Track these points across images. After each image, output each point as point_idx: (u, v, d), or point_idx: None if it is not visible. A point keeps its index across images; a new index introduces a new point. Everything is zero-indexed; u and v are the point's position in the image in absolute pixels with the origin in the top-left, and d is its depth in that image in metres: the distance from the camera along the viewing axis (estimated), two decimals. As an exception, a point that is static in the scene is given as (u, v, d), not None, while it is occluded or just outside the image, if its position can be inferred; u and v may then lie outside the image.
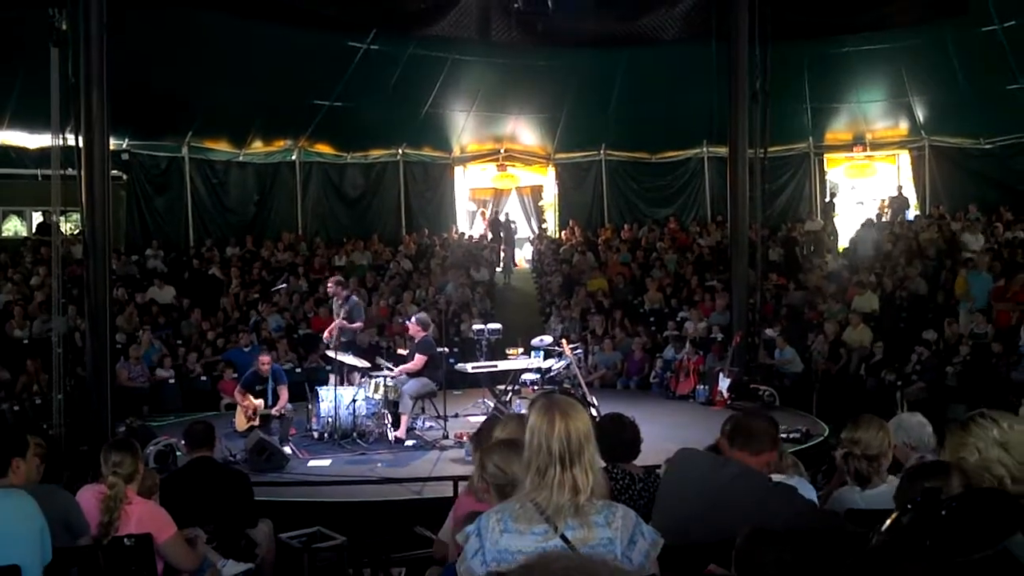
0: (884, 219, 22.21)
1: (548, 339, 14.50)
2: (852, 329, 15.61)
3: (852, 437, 4.41)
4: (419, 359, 11.52)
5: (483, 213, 24.88)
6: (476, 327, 15.02)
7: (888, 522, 2.74)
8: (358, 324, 12.94)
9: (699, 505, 3.67)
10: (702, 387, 14.61)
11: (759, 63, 14.54)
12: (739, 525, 3.28)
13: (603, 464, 3.42)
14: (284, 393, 11.61)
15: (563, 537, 2.87)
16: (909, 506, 2.70)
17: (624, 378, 16.73)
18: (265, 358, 11.93)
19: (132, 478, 4.80)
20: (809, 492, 4.43)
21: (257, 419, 11.33)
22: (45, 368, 12.54)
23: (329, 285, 13.76)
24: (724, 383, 14.14)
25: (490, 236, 23.46)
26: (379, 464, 10.29)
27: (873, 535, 2.77)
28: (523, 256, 24.69)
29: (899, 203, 22.59)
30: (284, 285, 18.21)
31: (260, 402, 11.45)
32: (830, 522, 3.92)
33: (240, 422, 11.57)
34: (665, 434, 9.92)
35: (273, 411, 11.44)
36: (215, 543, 5.57)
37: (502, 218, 23.92)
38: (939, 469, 3.50)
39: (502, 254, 23.16)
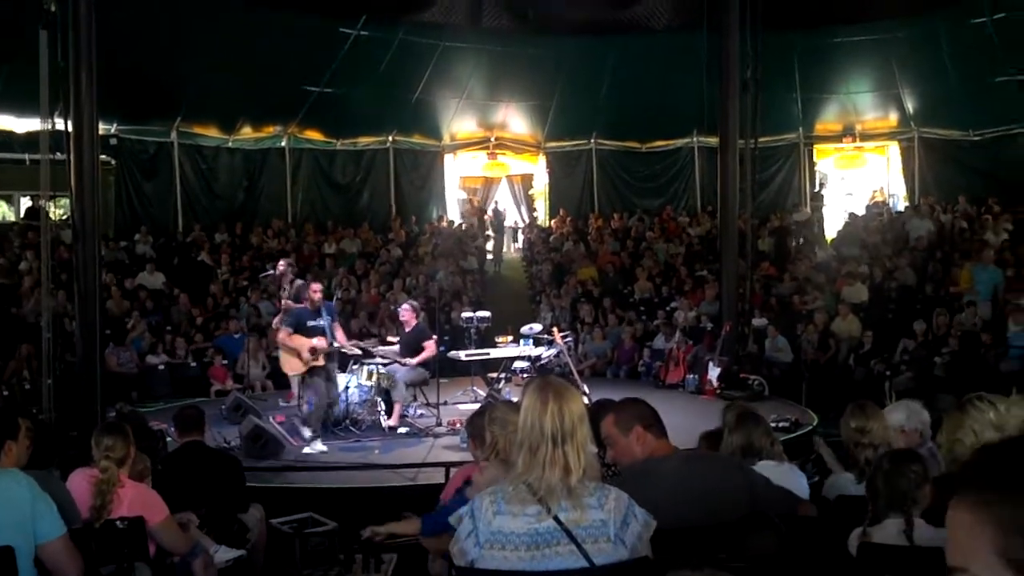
0: (874, 210, 22.26)
1: (538, 327, 14.52)
2: (841, 320, 15.67)
3: (863, 427, 4.42)
4: (430, 345, 11.49)
5: (470, 201, 24.83)
6: (465, 315, 15.02)
7: None
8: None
9: (675, 496, 3.65)
10: (692, 376, 14.65)
11: (750, 52, 14.54)
12: (712, 507, 3.33)
13: (595, 450, 3.43)
14: (340, 331, 10.76)
15: (556, 519, 2.90)
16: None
17: (614, 367, 16.76)
18: (316, 285, 10.77)
19: (124, 462, 4.79)
20: (799, 478, 4.47)
21: (320, 358, 10.18)
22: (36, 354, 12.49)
23: (280, 265, 13.46)
24: (714, 372, 14.18)
25: (477, 224, 23.46)
26: (376, 451, 10.28)
27: None
28: (513, 245, 24.70)
29: (879, 208, 22.57)
30: (272, 272, 18.15)
31: (320, 340, 10.23)
32: (783, 497, 3.89)
33: (293, 364, 10.37)
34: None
35: (344, 345, 10.63)
36: (207, 528, 5.57)
37: (492, 207, 23.92)
38: (915, 456, 3.56)
39: (492, 243, 23.16)
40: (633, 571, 2.89)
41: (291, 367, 10.49)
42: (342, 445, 10.54)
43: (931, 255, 18.10)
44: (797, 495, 4.05)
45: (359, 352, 11.34)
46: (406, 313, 11.93)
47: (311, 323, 10.27)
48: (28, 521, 3.92)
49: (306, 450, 10.13)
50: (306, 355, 10.14)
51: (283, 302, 12.48)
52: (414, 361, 11.41)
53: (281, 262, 13.55)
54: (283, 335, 10.43)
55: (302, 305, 10.69)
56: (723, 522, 3.37)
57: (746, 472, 3.86)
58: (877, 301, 16.76)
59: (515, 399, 6.98)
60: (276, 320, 13.26)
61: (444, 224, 23.24)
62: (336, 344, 10.45)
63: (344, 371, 11.74)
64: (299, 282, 12.86)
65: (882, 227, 20.43)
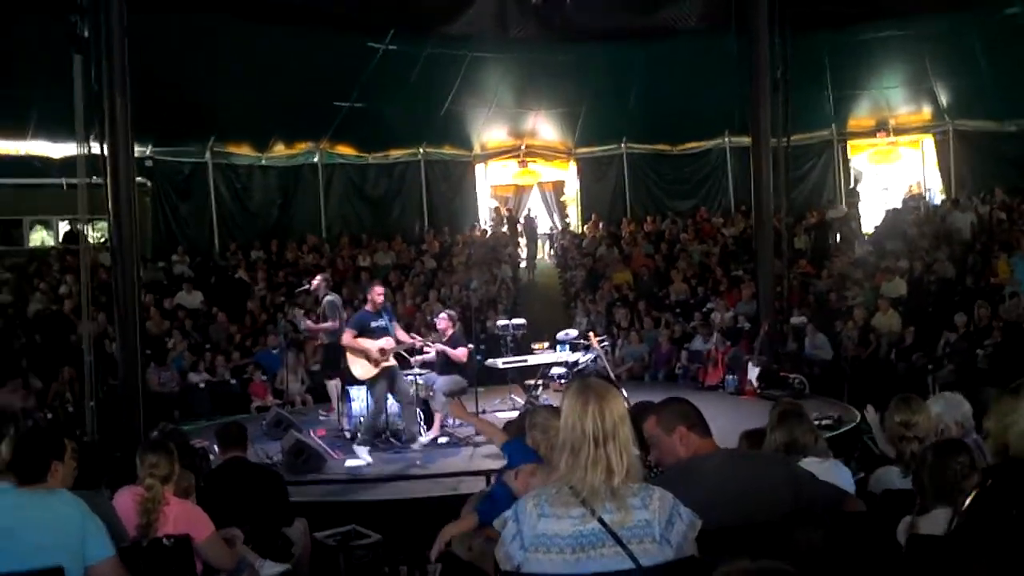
0: (911, 204, 22.03)
1: (574, 333, 14.51)
2: (881, 315, 15.51)
3: (908, 420, 4.36)
4: (463, 351, 11.46)
5: (499, 209, 24.82)
6: (501, 323, 15.03)
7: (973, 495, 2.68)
8: (329, 324, 12.68)
9: (711, 494, 3.62)
10: (731, 377, 14.55)
11: (779, 53, 14.46)
12: (755, 505, 3.30)
13: (637, 451, 3.41)
14: (400, 331, 10.74)
15: (600, 520, 2.88)
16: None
17: (652, 370, 16.69)
18: (379, 288, 10.72)
19: (168, 479, 4.82)
20: (844, 474, 4.42)
21: (390, 358, 10.21)
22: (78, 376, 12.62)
23: (316, 280, 13.52)
24: (753, 372, 14.08)
25: (508, 231, 23.49)
26: (417, 461, 10.27)
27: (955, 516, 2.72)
28: (546, 251, 24.71)
29: (916, 201, 22.32)
30: (307, 287, 18.26)
31: (387, 340, 10.22)
32: (830, 492, 3.84)
33: (363, 367, 10.24)
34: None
35: (411, 341, 10.68)
36: (251, 543, 5.59)
37: (524, 214, 23.94)
38: (962, 446, 3.50)
39: (525, 250, 23.18)
40: (680, 571, 2.86)
41: (362, 370, 10.34)
42: (384, 456, 10.55)
43: (970, 247, 17.89)
44: (844, 489, 4.00)
45: (421, 346, 11.29)
46: (443, 322, 11.93)
47: (374, 324, 10.29)
48: (78, 542, 3.95)
49: (348, 463, 10.17)
50: (375, 355, 10.18)
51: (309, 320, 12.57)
52: (437, 347, 11.37)
53: (317, 277, 13.64)
54: (348, 339, 10.31)
55: (367, 309, 10.64)
56: (768, 519, 3.33)
57: (790, 468, 3.83)
58: (916, 295, 16.57)
59: (553, 403, 6.96)
60: (308, 324, 13.43)
61: (477, 233, 23.27)
62: (401, 343, 10.53)
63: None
64: (329, 298, 12.90)
65: (919, 220, 20.20)
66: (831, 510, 3.62)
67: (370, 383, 10.43)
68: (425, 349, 11.39)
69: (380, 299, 10.55)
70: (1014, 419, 3.43)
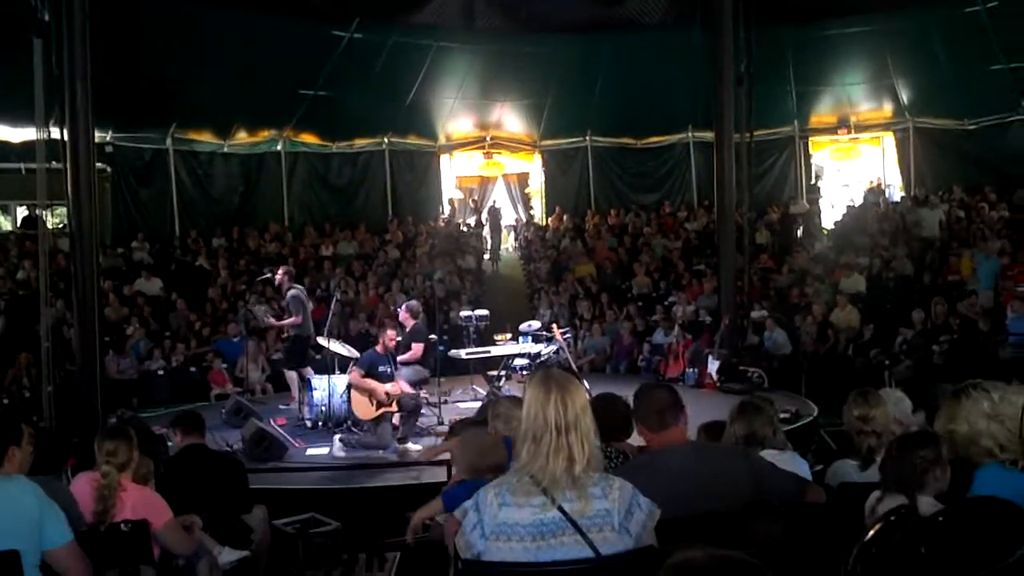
0: (870, 199, 22.28)
1: (536, 324, 14.55)
2: (840, 310, 15.68)
3: (866, 415, 4.42)
4: (416, 348, 11.42)
5: (452, 201, 24.73)
6: (464, 314, 15.04)
7: (872, 532, 2.74)
8: (292, 320, 12.59)
9: (673, 487, 3.66)
10: (691, 370, 14.65)
11: (743, 46, 14.55)
12: (715, 496, 3.34)
13: (598, 442, 3.43)
14: (401, 379, 10.66)
15: (560, 508, 2.91)
16: (892, 518, 2.71)
17: (613, 362, 16.77)
18: (391, 332, 10.57)
19: (126, 466, 4.78)
20: (802, 466, 4.48)
21: (394, 404, 10.21)
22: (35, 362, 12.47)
23: (279, 273, 13.26)
24: (713, 366, 14.19)
25: (473, 223, 23.49)
26: (379, 451, 10.24)
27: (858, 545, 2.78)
28: (510, 243, 24.73)
29: (875, 195, 22.56)
30: (269, 275, 18.11)
31: (393, 385, 10.22)
32: (791, 482, 3.93)
33: (365, 411, 10.20)
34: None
35: (411, 392, 10.61)
36: (210, 530, 5.57)
37: (489, 206, 23.93)
38: (928, 439, 3.55)
39: (489, 241, 23.19)
40: (639, 560, 2.89)
41: (364, 411, 10.22)
42: (345, 447, 10.51)
43: (929, 245, 18.13)
44: (805, 479, 4.06)
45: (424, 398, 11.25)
46: (403, 314, 11.94)
47: (381, 368, 10.19)
48: (35, 527, 3.93)
49: (310, 451, 10.16)
50: (381, 397, 10.10)
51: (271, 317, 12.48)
52: (405, 356, 11.29)
53: (280, 270, 13.45)
54: (355, 376, 10.22)
55: (377, 350, 10.50)
56: (727, 510, 3.37)
57: (751, 460, 3.88)
58: (875, 291, 16.77)
59: (517, 396, 7.00)
60: (271, 321, 13.44)
61: (441, 224, 23.24)
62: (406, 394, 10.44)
63: (344, 372, 11.75)
64: (293, 292, 12.73)
65: (879, 217, 20.43)
66: (792, 500, 3.68)
67: (374, 422, 10.20)
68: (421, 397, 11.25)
69: (392, 343, 10.44)
70: (956, 425, 3.52)
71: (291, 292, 12.72)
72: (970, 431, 3.54)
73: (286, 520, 7.08)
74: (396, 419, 10.64)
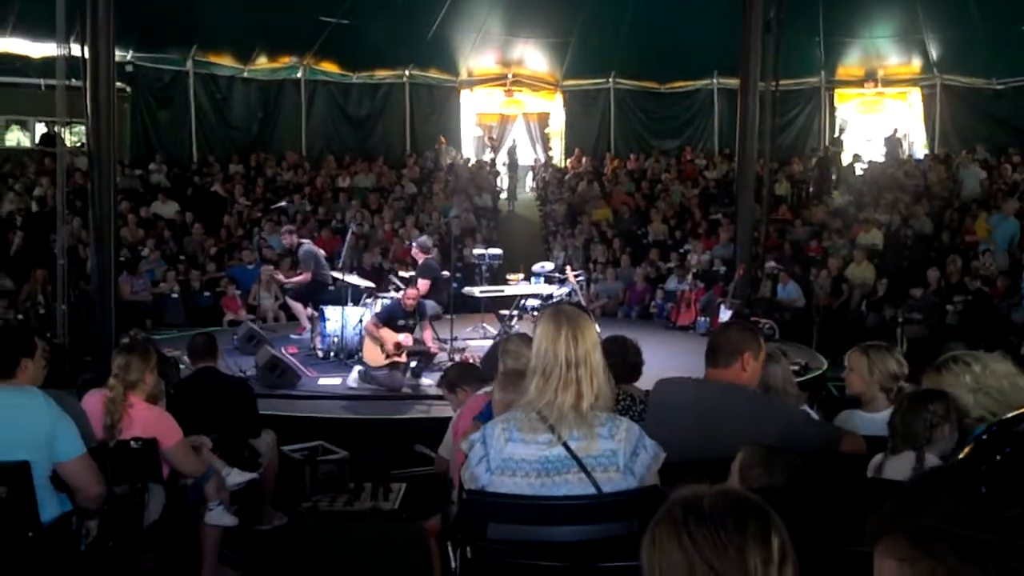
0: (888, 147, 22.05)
1: (549, 266, 14.55)
2: (855, 265, 15.61)
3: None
4: (422, 284, 11.47)
5: (487, 138, 24.72)
6: (477, 252, 15.04)
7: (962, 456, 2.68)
8: (303, 276, 12.62)
9: (691, 429, 3.69)
10: (703, 319, 14.66)
11: (774, -9, 14.28)
12: (733, 442, 3.34)
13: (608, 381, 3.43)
14: (428, 330, 10.95)
15: (566, 446, 2.92)
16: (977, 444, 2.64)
17: (625, 307, 16.79)
18: (412, 291, 10.68)
19: (136, 384, 4.80)
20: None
21: (404, 355, 10.32)
22: (51, 279, 12.54)
23: (284, 238, 13.41)
24: (725, 315, 14.16)
25: (490, 162, 23.38)
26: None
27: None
28: (527, 184, 24.64)
29: (892, 143, 22.35)
30: (284, 204, 18.12)
31: (406, 337, 10.35)
32: (825, 432, 3.97)
33: (375, 357, 10.25)
34: (665, 363, 9.90)
35: (430, 345, 10.77)
36: (219, 452, 5.64)
37: (509, 145, 23.81)
38: (939, 395, 3.54)
39: (507, 180, 23.10)
40: (640, 499, 2.91)
41: (371, 357, 10.30)
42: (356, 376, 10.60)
43: (948, 203, 17.98)
44: (842, 428, 4.05)
45: (441, 351, 11.25)
46: (415, 250, 12.00)
47: (401, 322, 10.35)
48: (47, 439, 3.97)
49: (322, 381, 10.24)
50: (390, 348, 10.18)
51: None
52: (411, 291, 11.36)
53: (284, 232, 13.53)
54: (371, 325, 10.36)
55: (398, 301, 10.63)
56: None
57: (773, 408, 3.87)
58: (893, 248, 16.66)
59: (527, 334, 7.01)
60: (280, 278, 13.57)
61: (459, 160, 23.13)
62: (420, 344, 10.55)
63: (358, 304, 11.81)
64: (305, 247, 12.76)
65: (903, 173, 20.22)
66: (828, 451, 3.71)
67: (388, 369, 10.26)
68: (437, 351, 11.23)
69: (410, 303, 10.47)
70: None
71: (303, 248, 12.74)
72: (962, 406, 3.55)
73: (295, 447, 7.16)
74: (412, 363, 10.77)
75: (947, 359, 3.70)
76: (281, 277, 13.92)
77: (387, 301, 11.37)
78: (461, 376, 5.51)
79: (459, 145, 23.93)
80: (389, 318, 10.39)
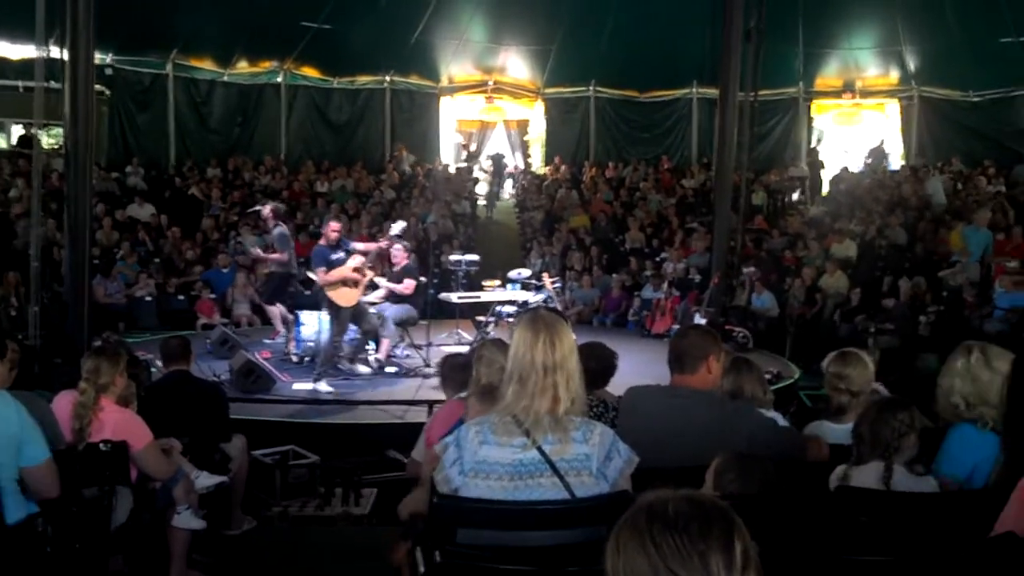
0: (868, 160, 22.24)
1: (526, 273, 14.55)
2: (828, 276, 15.69)
3: (840, 372, 4.45)
4: (409, 283, 11.48)
5: (465, 146, 24.72)
6: (453, 258, 15.04)
7: None
8: (278, 255, 12.44)
9: (662, 435, 3.73)
10: (677, 327, 14.68)
11: (755, 1, 14.34)
12: (703, 448, 3.37)
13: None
14: (363, 245, 10.84)
15: (540, 450, 2.93)
16: None
17: (601, 315, 16.81)
18: (335, 223, 10.67)
19: (107, 387, 4.77)
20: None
21: (367, 273, 10.39)
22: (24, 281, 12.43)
23: (265, 209, 13.08)
24: (699, 323, 14.22)
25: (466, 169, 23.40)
26: (365, 389, 10.26)
27: None
28: (507, 190, 24.66)
29: (878, 154, 22.53)
30: (259, 208, 17.99)
31: (355, 259, 10.34)
32: (792, 438, 4.04)
33: (347, 295, 10.15)
34: (639, 370, 9.93)
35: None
36: (189, 455, 5.61)
37: (494, 153, 23.81)
38: (906, 405, 3.58)
39: (487, 188, 23.12)
40: (612, 504, 2.92)
41: (347, 298, 10.20)
42: (330, 382, 10.56)
43: (921, 215, 18.10)
44: (808, 435, 4.14)
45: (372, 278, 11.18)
46: (399, 253, 11.92)
47: (333, 257, 10.26)
48: (14, 442, 3.94)
49: (296, 386, 10.19)
50: (351, 275, 10.18)
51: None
52: (384, 286, 11.54)
53: (268, 206, 13.32)
54: (322, 275, 10.22)
55: (321, 243, 10.56)
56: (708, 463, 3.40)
57: (742, 414, 3.91)
58: (867, 259, 16.76)
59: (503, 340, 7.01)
60: (258, 252, 13.45)
61: (439, 167, 23.13)
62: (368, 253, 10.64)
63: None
64: (279, 230, 12.58)
65: (877, 184, 20.37)
66: (793, 456, 3.77)
67: (334, 311, 10.28)
68: (378, 284, 11.33)
69: (334, 235, 10.41)
70: (943, 377, 3.63)
71: (277, 229, 12.60)
72: (947, 386, 3.66)
73: (265, 451, 7.14)
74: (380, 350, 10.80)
75: (966, 344, 3.79)
76: (259, 251, 13.60)
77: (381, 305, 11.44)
78: (449, 373, 5.47)
79: (438, 152, 23.92)
80: (324, 261, 10.22)
